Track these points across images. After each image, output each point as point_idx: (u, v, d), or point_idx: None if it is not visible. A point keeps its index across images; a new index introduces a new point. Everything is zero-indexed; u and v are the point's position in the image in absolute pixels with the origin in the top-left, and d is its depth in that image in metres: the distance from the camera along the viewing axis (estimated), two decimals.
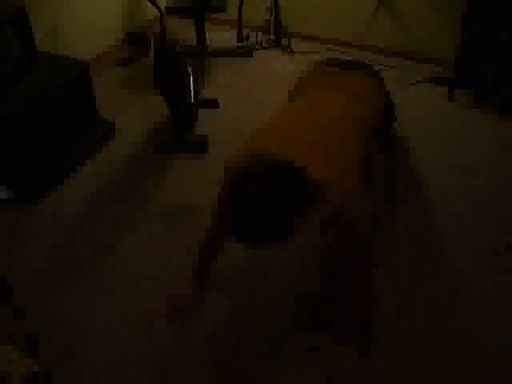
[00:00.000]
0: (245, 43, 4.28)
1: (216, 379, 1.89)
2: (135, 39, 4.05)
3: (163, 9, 3.74)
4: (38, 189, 2.75)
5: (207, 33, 4.10)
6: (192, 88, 2.92)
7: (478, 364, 1.93)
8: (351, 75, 2.19)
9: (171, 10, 3.77)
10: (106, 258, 2.39)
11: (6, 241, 2.49)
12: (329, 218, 1.55)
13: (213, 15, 4.09)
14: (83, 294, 2.21)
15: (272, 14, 4.21)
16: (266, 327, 2.07)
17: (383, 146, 2.45)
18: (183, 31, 4.23)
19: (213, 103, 3.18)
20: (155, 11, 3.81)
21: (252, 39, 4.32)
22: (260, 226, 1.43)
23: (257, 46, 4.31)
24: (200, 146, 3.02)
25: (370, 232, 1.70)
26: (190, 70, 2.95)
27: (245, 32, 4.27)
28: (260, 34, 4.34)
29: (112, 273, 2.32)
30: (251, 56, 4.19)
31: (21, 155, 2.63)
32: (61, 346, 1.98)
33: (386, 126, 2.40)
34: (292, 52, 4.23)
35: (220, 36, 4.37)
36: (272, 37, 4.34)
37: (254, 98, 3.64)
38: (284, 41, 4.29)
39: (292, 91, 2.27)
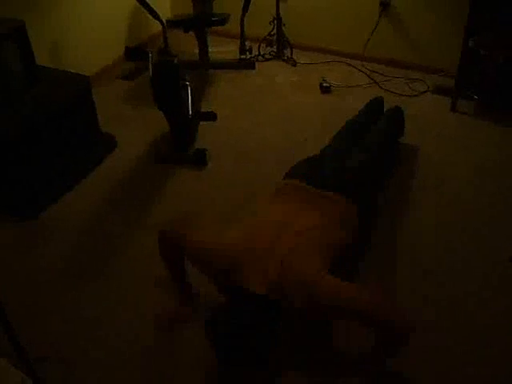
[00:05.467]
0: (247, 55, 4.30)
1: None
2: (133, 54, 4.08)
3: (165, 22, 3.76)
4: (40, 203, 2.78)
5: (210, 45, 4.13)
6: (190, 101, 2.93)
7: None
8: (324, 197, 2.08)
9: (172, 24, 3.80)
10: (103, 270, 2.41)
11: (10, 252, 2.53)
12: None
13: (214, 27, 4.12)
14: (80, 302, 2.25)
15: (274, 25, 4.23)
16: None
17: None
18: (186, 44, 4.25)
19: (211, 116, 3.18)
20: (158, 26, 3.84)
21: (254, 51, 4.34)
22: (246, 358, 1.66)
23: (259, 58, 4.33)
24: (199, 158, 3.03)
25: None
26: (188, 83, 2.96)
27: (247, 44, 4.29)
28: (262, 45, 4.36)
29: (108, 285, 2.34)
30: (254, 68, 4.21)
31: (22, 171, 2.65)
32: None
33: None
34: (294, 63, 4.24)
35: (222, 48, 4.39)
36: (274, 49, 4.36)
37: (255, 110, 3.65)
38: (286, 52, 4.30)
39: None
